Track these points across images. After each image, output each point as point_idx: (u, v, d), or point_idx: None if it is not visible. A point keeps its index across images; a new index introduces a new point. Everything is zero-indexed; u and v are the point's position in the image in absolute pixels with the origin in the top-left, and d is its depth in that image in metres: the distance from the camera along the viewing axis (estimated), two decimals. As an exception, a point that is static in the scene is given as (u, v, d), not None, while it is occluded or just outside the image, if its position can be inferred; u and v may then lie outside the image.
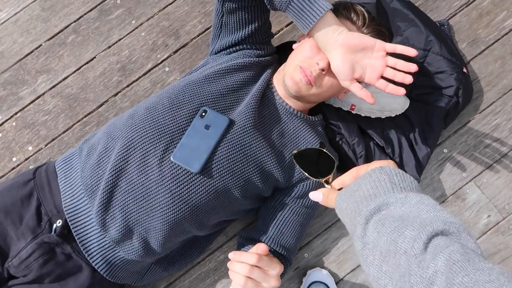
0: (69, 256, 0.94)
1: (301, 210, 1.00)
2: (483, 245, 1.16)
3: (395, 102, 1.08)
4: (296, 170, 0.97)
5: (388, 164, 0.55)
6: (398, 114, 1.11)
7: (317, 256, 1.16)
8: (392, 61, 0.81)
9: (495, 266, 0.38)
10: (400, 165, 1.10)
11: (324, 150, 0.69)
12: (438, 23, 1.20)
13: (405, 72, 0.82)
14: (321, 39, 0.83)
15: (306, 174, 0.68)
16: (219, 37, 1.03)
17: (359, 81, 0.85)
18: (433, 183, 1.19)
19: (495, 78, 1.23)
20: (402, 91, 0.82)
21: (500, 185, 1.18)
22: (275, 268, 0.83)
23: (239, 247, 1.03)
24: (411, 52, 0.81)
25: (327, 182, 0.65)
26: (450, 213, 0.47)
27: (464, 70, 1.14)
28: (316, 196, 0.63)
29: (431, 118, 1.12)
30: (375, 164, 0.56)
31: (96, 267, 0.94)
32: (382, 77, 0.83)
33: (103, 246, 0.94)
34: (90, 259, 0.94)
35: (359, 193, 0.52)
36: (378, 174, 0.52)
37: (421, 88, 1.15)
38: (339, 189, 0.61)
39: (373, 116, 1.10)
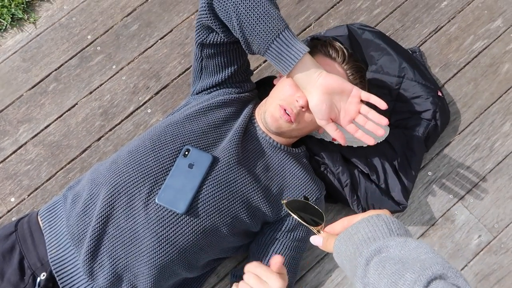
0: (54, 310, 0.91)
1: (293, 244, 0.98)
2: (477, 266, 1.15)
3: (376, 129, 1.10)
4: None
5: (384, 212, 0.57)
6: (378, 141, 1.12)
7: (312, 290, 1.14)
8: (365, 109, 0.85)
9: None
10: (386, 190, 1.10)
11: (309, 203, 0.70)
12: (409, 50, 1.25)
13: (377, 123, 0.86)
14: (301, 80, 0.85)
15: (300, 220, 0.67)
16: (200, 79, 1.05)
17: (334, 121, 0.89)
18: (421, 207, 1.19)
19: (470, 99, 1.27)
20: (371, 141, 0.86)
21: (487, 204, 1.19)
22: (276, 282, 0.71)
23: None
24: (382, 105, 0.85)
25: (319, 232, 0.66)
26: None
27: (439, 93, 1.18)
28: (316, 240, 0.63)
29: (412, 142, 1.14)
30: (371, 213, 0.57)
31: (82, 319, 0.91)
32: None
33: (90, 297, 0.90)
34: (76, 311, 0.90)
35: (358, 236, 0.53)
36: (376, 220, 0.54)
37: (399, 114, 1.18)
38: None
39: (355, 145, 1.11)
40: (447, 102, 1.23)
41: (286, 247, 0.98)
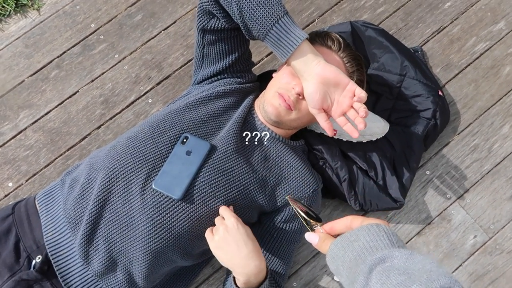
0: (48, 293, 0.91)
1: (288, 235, 0.99)
2: (471, 267, 1.15)
3: (375, 126, 1.10)
4: (280, 194, 0.97)
5: (383, 223, 0.56)
6: (379, 138, 1.12)
7: (306, 285, 1.14)
8: (358, 105, 0.85)
9: None
10: (384, 187, 1.10)
11: (311, 208, 0.71)
12: (412, 49, 1.25)
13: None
14: (298, 67, 0.86)
15: (301, 215, 0.67)
16: (201, 67, 1.05)
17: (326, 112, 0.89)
18: (418, 205, 1.19)
19: (470, 100, 1.27)
20: (356, 134, 0.87)
21: (484, 205, 1.19)
22: (229, 219, 0.85)
23: (226, 282, 0.99)
24: (361, 112, 0.84)
25: (312, 229, 0.65)
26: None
27: (440, 93, 1.18)
28: (312, 238, 0.62)
29: (411, 141, 1.15)
30: (370, 220, 0.56)
31: (76, 304, 0.91)
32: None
33: (85, 281, 0.91)
34: (70, 295, 0.90)
35: (359, 243, 0.51)
36: (377, 230, 0.53)
37: (400, 112, 1.18)
38: (335, 236, 0.60)
39: (354, 141, 1.11)
40: (448, 102, 1.23)
41: (282, 238, 0.98)
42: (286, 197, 0.71)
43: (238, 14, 0.83)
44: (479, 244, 1.16)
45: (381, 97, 1.19)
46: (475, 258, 1.16)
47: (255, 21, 0.82)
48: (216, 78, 1.04)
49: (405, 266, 0.46)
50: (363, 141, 1.12)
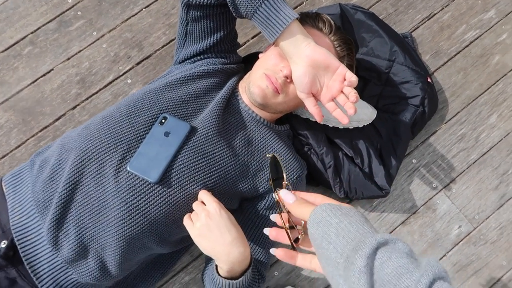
0: (14, 281, 0.85)
1: (271, 223, 0.95)
2: (455, 257, 1.13)
3: (363, 113, 1.07)
4: (262, 179, 0.93)
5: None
6: (365, 124, 1.09)
7: (287, 274, 1.11)
8: (348, 90, 0.81)
9: None
10: (370, 175, 1.07)
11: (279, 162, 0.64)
12: (401, 35, 1.22)
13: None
14: (287, 48, 0.81)
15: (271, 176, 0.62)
16: (183, 46, 1.00)
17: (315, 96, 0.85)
18: (403, 194, 1.17)
19: (459, 88, 1.25)
20: (346, 120, 0.82)
21: (469, 194, 1.17)
22: (211, 204, 0.80)
23: (206, 271, 0.94)
24: (352, 97, 0.79)
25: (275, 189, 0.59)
26: None
27: (429, 79, 1.15)
28: (288, 196, 0.56)
29: (398, 128, 1.12)
30: (349, 206, 0.52)
31: (45, 292, 0.86)
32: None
33: (54, 268, 0.85)
34: (38, 283, 0.85)
35: (355, 218, 0.48)
36: (362, 215, 0.50)
37: (387, 98, 1.15)
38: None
39: (340, 127, 1.08)
40: (436, 90, 1.20)
41: (264, 225, 0.94)
42: (268, 155, 0.65)
43: None
44: (463, 234, 1.15)
45: (369, 83, 1.15)
46: (459, 248, 1.14)
47: None
48: (199, 57, 0.99)
49: (407, 252, 0.44)
50: (350, 128, 1.09)
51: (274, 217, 0.59)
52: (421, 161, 1.19)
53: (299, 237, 0.56)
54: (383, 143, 1.11)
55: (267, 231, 0.59)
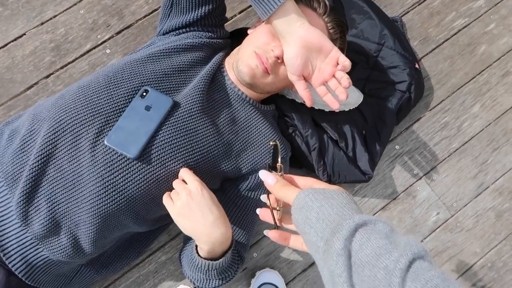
0: (-21, 257, 0.81)
1: (253, 204, 0.93)
2: (432, 243, 1.15)
3: (350, 97, 1.05)
4: (245, 160, 0.90)
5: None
6: (352, 108, 1.08)
7: (266, 256, 1.10)
8: (340, 74, 0.78)
9: None
10: (353, 159, 1.06)
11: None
12: (391, 19, 1.20)
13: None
14: (280, 27, 0.77)
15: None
16: (168, 16, 0.94)
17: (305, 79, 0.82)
18: (385, 180, 1.17)
19: (445, 76, 1.24)
20: (336, 105, 0.81)
21: (449, 182, 1.19)
22: (192, 183, 0.77)
23: (184, 251, 0.92)
24: (344, 82, 0.78)
25: (272, 168, 0.58)
26: None
27: (417, 65, 1.14)
28: (268, 177, 0.55)
29: (384, 113, 1.11)
30: (335, 187, 0.51)
31: (13, 269, 0.81)
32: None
33: (23, 244, 0.81)
34: (6, 259, 0.80)
35: (337, 201, 0.48)
36: (348, 197, 0.49)
37: (374, 83, 1.13)
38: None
39: (326, 110, 1.06)
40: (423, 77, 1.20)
41: (246, 207, 0.92)
42: (271, 142, 0.62)
43: None
44: (441, 221, 1.16)
45: (356, 66, 1.13)
46: (436, 234, 1.16)
47: None
48: (184, 30, 0.94)
49: (386, 233, 0.43)
50: (336, 111, 1.07)
51: (263, 197, 0.58)
52: (404, 147, 1.19)
53: (277, 217, 0.57)
54: (368, 128, 1.10)
55: (258, 210, 0.59)
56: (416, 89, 1.13)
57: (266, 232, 0.57)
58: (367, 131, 1.10)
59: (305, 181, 0.55)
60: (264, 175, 0.55)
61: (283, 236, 0.56)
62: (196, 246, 0.82)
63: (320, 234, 0.45)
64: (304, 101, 1.04)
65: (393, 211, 1.15)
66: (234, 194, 0.92)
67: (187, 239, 0.92)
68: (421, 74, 1.16)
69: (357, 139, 1.07)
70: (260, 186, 0.92)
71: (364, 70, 1.14)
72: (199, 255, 0.81)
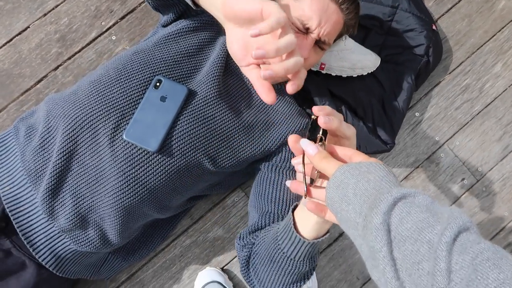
0: (9, 252, 0.81)
1: (293, 173, 0.87)
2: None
3: (366, 59, 1.01)
4: (271, 138, 0.87)
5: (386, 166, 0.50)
6: (369, 72, 1.03)
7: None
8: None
9: None
10: (374, 129, 1.03)
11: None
12: (404, -20, 1.14)
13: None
14: (206, 7, 0.64)
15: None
16: (161, 13, 0.90)
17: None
18: (406, 149, 1.14)
19: (463, 36, 1.19)
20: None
21: (473, 147, 1.15)
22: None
23: (242, 248, 0.82)
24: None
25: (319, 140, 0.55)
26: None
27: (434, 27, 1.09)
28: (310, 147, 0.52)
29: (401, 79, 1.07)
30: (373, 160, 0.49)
31: (43, 262, 0.82)
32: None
33: (51, 237, 0.81)
34: (35, 253, 0.81)
35: (374, 176, 0.46)
36: (386, 170, 0.47)
37: (390, 48, 1.09)
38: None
39: (344, 75, 1.02)
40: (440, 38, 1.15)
41: (289, 177, 0.87)
42: (313, 116, 0.56)
43: None
44: (466, 187, 1.13)
45: (370, 32, 1.09)
46: (462, 201, 1.13)
47: None
48: (182, 18, 0.89)
49: (427, 205, 0.41)
50: (354, 76, 1.03)
51: (299, 166, 0.55)
52: (424, 114, 1.15)
53: (314, 180, 0.56)
54: (386, 96, 1.06)
55: (288, 183, 0.57)
56: (434, 52, 1.08)
57: (303, 202, 0.56)
58: (385, 99, 1.06)
59: (344, 152, 0.53)
60: (306, 144, 0.53)
61: (319, 208, 0.55)
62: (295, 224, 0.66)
63: (358, 210, 0.44)
64: (321, 69, 1.00)
65: (417, 180, 1.13)
66: (270, 171, 0.87)
67: (245, 245, 0.81)
68: (439, 36, 1.11)
69: (375, 108, 1.04)
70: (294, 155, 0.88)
71: (379, 36, 1.09)
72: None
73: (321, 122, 0.54)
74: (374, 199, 0.43)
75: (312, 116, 0.57)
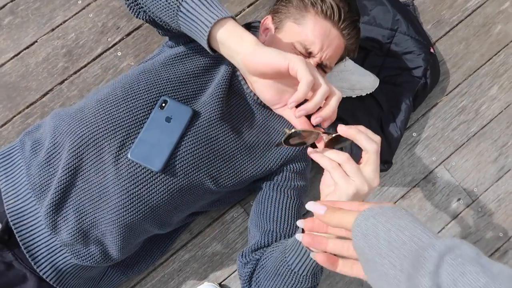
0: (10, 265, 0.82)
1: (294, 192, 0.89)
2: (454, 229, 1.14)
3: (365, 80, 1.04)
4: (273, 158, 0.89)
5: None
6: (368, 92, 1.06)
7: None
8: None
9: None
10: (372, 149, 1.05)
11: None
12: (403, 3, 1.17)
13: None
14: (230, 60, 0.70)
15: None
16: (162, 35, 0.93)
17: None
18: (403, 168, 1.16)
19: (460, 59, 1.22)
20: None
21: (469, 167, 1.17)
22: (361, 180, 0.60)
23: (244, 266, 0.82)
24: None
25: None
26: None
27: (432, 50, 1.12)
28: (318, 208, 0.49)
29: (400, 100, 1.09)
30: (389, 204, 0.46)
31: (43, 275, 0.83)
32: None
33: (52, 251, 0.82)
34: (36, 266, 0.82)
35: (404, 221, 0.42)
36: (406, 213, 0.43)
37: (389, 70, 1.12)
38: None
39: (344, 95, 1.05)
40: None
41: (289, 197, 0.89)
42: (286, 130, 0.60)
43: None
44: (462, 207, 1.15)
45: (370, 53, 1.12)
46: (457, 220, 1.15)
47: (161, 10, 0.72)
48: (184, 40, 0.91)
49: (476, 259, 0.37)
50: (353, 96, 1.05)
51: (302, 224, 0.53)
52: (421, 134, 1.18)
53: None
54: (384, 116, 1.09)
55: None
56: (431, 74, 1.11)
57: (312, 255, 0.52)
58: (383, 119, 1.08)
59: (350, 206, 0.50)
60: (312, 206, 0.50)
61: (331, 261, 0.50)
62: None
63: (398, 266, 0.39)
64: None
65: (413, 199, 1.15)
66: (273, 189, 0.89)
67: (247, 263, 0.83)
68: (436, 58, 1.14)
69: (374, 128, 1.06)
70: (299, 173, 0.90)
71: (378, 57, 1.12)
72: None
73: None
74: (416, 256, 0.39)
75: (286, 130, 0.59)
